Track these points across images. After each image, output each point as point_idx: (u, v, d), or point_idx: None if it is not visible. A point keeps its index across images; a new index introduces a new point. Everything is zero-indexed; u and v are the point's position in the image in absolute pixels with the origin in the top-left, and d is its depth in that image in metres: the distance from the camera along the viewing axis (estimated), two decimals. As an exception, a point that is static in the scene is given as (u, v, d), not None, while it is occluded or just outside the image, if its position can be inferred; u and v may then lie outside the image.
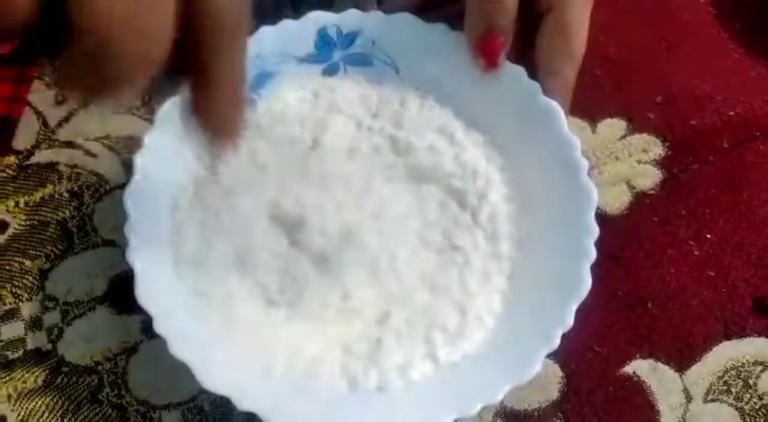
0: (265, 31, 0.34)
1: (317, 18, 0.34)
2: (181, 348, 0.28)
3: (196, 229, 0.32)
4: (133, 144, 0.37)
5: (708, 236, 0.36)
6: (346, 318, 0.31)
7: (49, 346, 0.33)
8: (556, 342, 0.29)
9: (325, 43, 0.35)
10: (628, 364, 0.33)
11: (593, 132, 0.38)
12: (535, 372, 0.29)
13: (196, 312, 0.30)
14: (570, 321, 0.29)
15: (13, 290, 0.34)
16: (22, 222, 0.36)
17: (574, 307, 0.29)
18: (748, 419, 0.32)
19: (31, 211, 0.36)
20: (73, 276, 0.34)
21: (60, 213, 0.36)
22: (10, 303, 0.34)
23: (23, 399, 0.32)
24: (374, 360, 0.30)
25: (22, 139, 0.37)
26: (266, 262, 0.32)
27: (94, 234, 0.35)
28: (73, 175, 0.37)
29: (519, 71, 0.33)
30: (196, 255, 0.32)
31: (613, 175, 0.37)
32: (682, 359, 0.33)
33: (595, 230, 0.31)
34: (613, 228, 0.35)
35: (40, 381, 0.33)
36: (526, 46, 0.33)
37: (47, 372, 0.33)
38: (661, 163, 0.37)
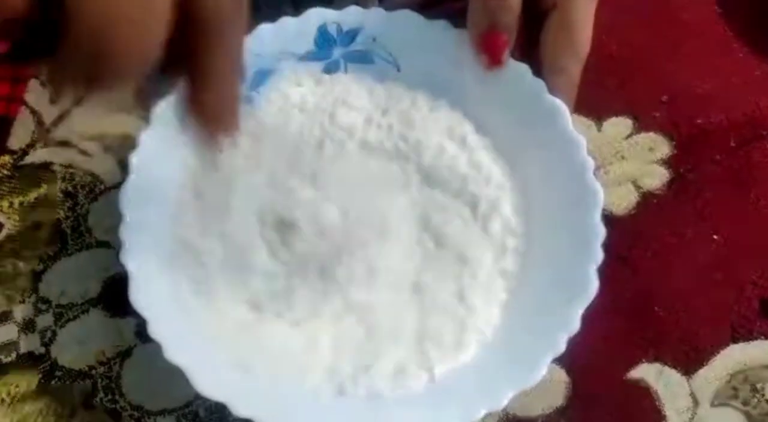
0: (265, 28, 0.34)
1: (317, 15, 0.34)
2: (175, 352, 0.28)
3: (192, 231, 0.32)
4: (128, 143, 0.36)
5: (715, 237, 0.35)
6: (341, 324, 0.31)
7: (42, 350, 0.33)
8: (562, 346, 0.29)
9: (325, 40, 0.34)
10: (634, 369, 0.33)
11: (599, 130, 0.38)
12: (540, 377, 0.28)
13: (191, 315, 0.30)
14: (576, 325, 0.29)
15: (6, 292, 0.34)
16: (16, 223, 0.35)
17: (581, 311, 0.29)
18: (756, 424, 0.32)
19: (25, 211, 0.36)
20: (66, 278, 0.34)
21: (54, 214, 0.36)
22: (3, 306, 0.34)
23: (16, 403, 0.32)
24: (373, 366, 0.30)
25: (16, 139, 0.37)
26: (262, 265, 0.31)
27: (89, 236, 0.35)
28: (68, 175, 0.36)
29: (523, 69, 0.32)
30: (191, 257, 0.31)
31: (620, 175, 0.37)
32: (689, 363, 0.33)
33: (602, 231, 0.30)
34: (619, 229, 0.34)
35: (33, 386, 0.32)
36: (531, 44, 0.33)
37: (40, 376, 0.32)
38: (668, 163, 0.37)
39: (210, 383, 0.28)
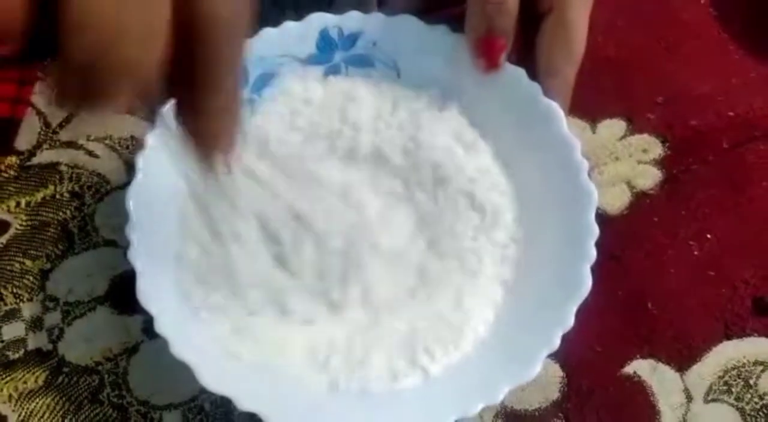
0: (267, 32, 0.34)
1: (319, 19, 0.34)
2: (182, 348, 0.28)
3: (198, 230, 0.32)
4: (134, 144, 0.37)
5: (708, 236, 0.36)
6: (341, 324, 0.31)
7: (50, 346, 0.33)
8: (557, 342, 0.29)
9: (326, 44, 0.35)
10: (628, 364, 0.33)
11: (593, 132, 0.38)
12: (535, 372, 0.29)
13: (196, 312, 0.30)
14: (570, 321, 0.29)
15: (14, 290, 0.34)
16: (24, 223, 0.36)
17: (575, 308, 0.29)
18: (748, 419, 0.32)
19: (33, 211, 0.36)
20: (74, 277, 0.35)
21: (61, 214, 0.36)
22: (11, 304, 0.34)
23: (24, 399, 0.32)
24: (374, 363, 0.30)
25: (23, 140, 0.37)
26: (265, 264, 0.32)
27: (95, 235, 0.35)
28: (75, 175, 0.37)
29: (519, 73, 0.33)
30: (197, 255, 0.32)
31: (613, 176, 0.37)
32: (682, 359, 0.33)
33: (596, 230, 0.31)
34: (613, 229, 0.35)
35: (40, 382, 0.33)
36: (527, 47, 0.33)
37: (48, 372, 0.33)
38: (661, 164, 0.37)
39: (215, 378, 0.28)
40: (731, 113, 0.38)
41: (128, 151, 0.37)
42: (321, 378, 0.30)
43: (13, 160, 0.37)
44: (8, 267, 0.35)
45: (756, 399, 0.33)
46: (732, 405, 0.32)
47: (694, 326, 0.34)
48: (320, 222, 0.32)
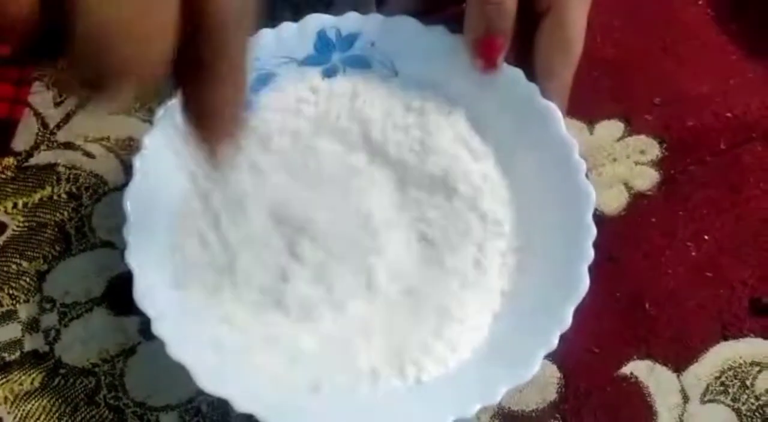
0: (266, 33, 0.34)
1: (316, 20, 0.34)
2: (179, 349, 0.28)
3: (195, 231, 0.32)
4: (132, 145, 0.37)
5: (705, 237, 0.36)
6: (340, 321, 0.31)
7: (47, 348, 0.33)
8: (555, 342, 0.29)
9: (324, 44, 0.35)
10: (625, 365, 0.33)
11: (591, 133, 0.38)
12: (533, 372, 0.29)
13: (194, 314, 0.30)
14: (568, 322, 0.29)
15: (11, 292, 0.34)
16: (21, 224, 0.36)
17: (572, 308, 0.29)
18: (745, 420, 0.32)
19: (30, 212, 0.36)
20: (70, 278, 0.34)
21: (58, 215, 0.36)
22: (8, 305, 0.34)
23: (20, 401, 0.32)
24: (373, 364, 0.30)
25: (21, 141, 0.37)
26: (263, 266, 0.32)
27: (93, 236, 0.35)
28: (72, 176, 0.37)
29: (517, 73, 0.33)
30: (194, 256, 0.32)
31: (611, 176, 0.37)
32: (679, 360, 0.33)
33: (593, 231, 0.31)
34: (610, 229, 0.35)
35: (37, 383, 0.32)
36: (525, 48, 0.33)
37: (44, 374, 0.33)
38: (659, 165, 0.37)
39: (212, 379, 0.28)
40: (729, 114, 0.39)
41: (126, 152, 0.37)
42: (320, 378, 0.30)
43: (10, 161, 0.37)
44: (5, 269, 0.35)
45: (752, 400, 0.33)
46: (728, 405, 0.33)
47: (692, 327, 0.34)
48: (321, 223, 0.32)
